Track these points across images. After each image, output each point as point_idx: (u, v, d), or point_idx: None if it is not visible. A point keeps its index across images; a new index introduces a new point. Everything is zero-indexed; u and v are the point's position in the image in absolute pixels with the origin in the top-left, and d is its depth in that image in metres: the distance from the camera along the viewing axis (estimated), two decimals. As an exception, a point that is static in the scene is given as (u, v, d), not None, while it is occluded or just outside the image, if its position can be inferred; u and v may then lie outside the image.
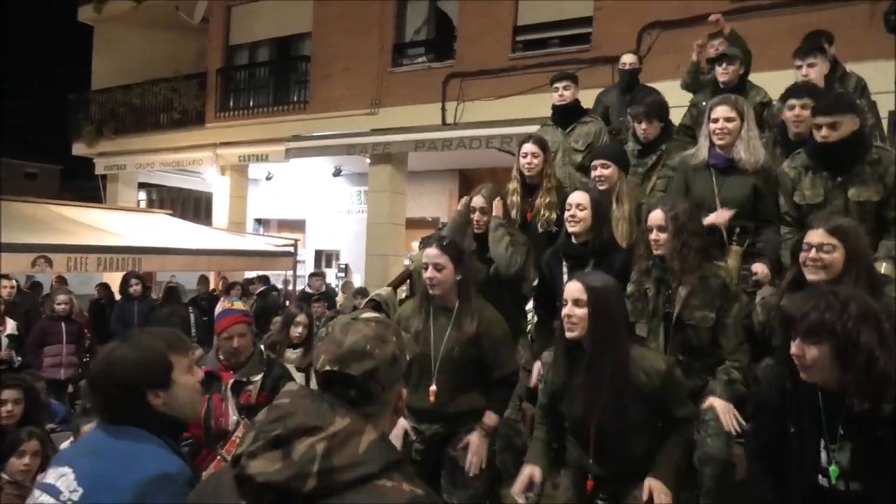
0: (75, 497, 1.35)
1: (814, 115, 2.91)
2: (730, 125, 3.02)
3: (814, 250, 2.17)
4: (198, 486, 1.21)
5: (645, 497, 2.13)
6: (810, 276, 2.19)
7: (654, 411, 2.21)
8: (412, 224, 11.24)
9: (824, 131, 2.80)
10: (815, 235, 2.18)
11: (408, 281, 4.26)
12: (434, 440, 2.68)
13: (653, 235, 2.57)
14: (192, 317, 7.93)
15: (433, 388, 2.61)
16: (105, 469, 1.37)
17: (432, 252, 2.62)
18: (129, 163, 13.56)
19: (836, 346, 1.62)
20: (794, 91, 3.48)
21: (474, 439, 2.58)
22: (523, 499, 2.30)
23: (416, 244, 9.62)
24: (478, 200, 3.26)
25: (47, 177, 28.03)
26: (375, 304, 3.85)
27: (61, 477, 1.39)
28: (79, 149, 14.36)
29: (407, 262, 7.64)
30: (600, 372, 2.15)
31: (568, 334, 2.20)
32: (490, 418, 2.61)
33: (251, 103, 12.17)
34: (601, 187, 3.27)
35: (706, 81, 4.61)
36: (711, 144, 3.10)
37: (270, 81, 12.08)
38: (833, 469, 1.70)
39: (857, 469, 1.69)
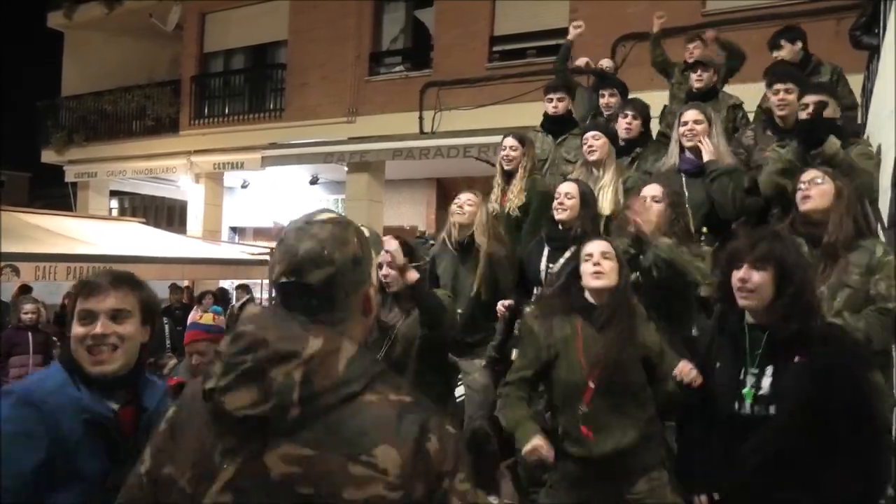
0: None
1: (801, 96, 3.12)
2: (698, 127, 3.20)
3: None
4: (173, 416, 1.10)
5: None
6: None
7: (648, 380, 2.24)
8: (390, 232, 11.15)
9: (811, 108, 3.01)
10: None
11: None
12: None
13: (647, 203, 2.72)
14: (166, 327, 7.82)
15: None
16: None
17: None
18: (100, 170, 13.29)
19: (778, 271, 1.82)
20: (777, 76, 3.55)
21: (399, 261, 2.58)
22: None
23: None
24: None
25: (15, 184, 27.35)
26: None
27: None
28: (48, 156, 14.04)
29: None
30: (618, 326, 2.19)
31: (597, 283, 2.22)
32: (413, 273, 2.59)
33: (226, 111, 12.05)
34: (591, 158, 3.43)
35: (679, 79, 4.82)
36: (682, 150, 3.23)
37: (246, 89, 11.98)
38: (748, 391, 1.82)
39: (775, 393, 1.81)
